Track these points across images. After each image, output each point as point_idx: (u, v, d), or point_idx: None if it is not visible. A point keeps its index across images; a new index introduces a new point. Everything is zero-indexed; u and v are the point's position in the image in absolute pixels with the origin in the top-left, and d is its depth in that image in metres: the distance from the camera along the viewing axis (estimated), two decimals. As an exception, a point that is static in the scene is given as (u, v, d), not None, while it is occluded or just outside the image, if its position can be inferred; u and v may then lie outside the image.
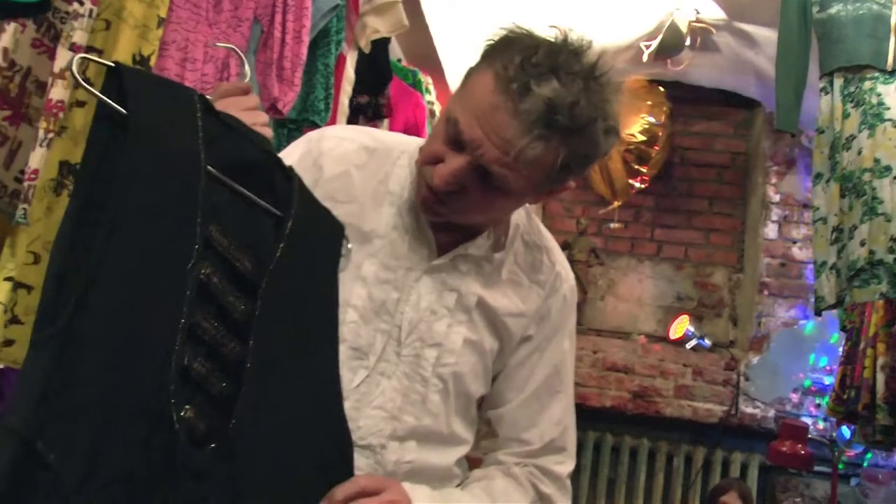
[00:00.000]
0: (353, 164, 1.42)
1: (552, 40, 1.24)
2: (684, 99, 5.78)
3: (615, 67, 1.29)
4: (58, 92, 1.72)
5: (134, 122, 1.03)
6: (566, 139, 1.22)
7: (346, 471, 1.28)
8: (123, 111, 1.03)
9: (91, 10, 1.75)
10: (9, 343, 1.78)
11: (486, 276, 1.42)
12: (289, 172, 1.26)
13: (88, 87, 1.09)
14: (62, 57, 1.73)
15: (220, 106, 1.22)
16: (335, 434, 1.28)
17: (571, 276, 1.53)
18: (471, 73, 1.29)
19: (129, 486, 1.00)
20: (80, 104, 1.84)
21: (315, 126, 2.62)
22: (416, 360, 1.38)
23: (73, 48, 1.74)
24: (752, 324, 5.46)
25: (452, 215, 1.34)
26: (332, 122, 2.79)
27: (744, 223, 5.88)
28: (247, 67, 1.43)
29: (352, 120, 3.09)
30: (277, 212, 1.22)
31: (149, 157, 1.04)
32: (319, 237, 1.29)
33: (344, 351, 1.33)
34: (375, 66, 3.17)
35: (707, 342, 5.52)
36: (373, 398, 1.35)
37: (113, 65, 1.07)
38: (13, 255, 1.77)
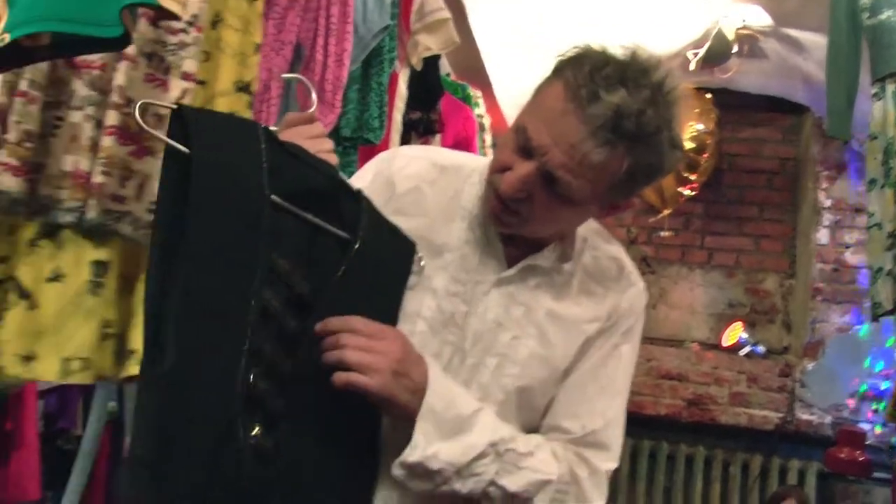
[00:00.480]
0: (424, 181, 1.45)
1: (622, 56, 1.27)
2: (732, 106, 5.74)
3: (683, 84, 1.31)
4: None
5: (197, 160, 1.09)
6: (631, 147, 1.25)
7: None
8: (186, 150, 1.09)
9: (197, 38, 1.80)
10: None
11: (557, 288, 1.44)
12: (357, 196, 1.30)
13: (153, 131, 1.16)
14: (175, 87, 1.79)
15: (286, 135, 1.27)
16: (363, 455, 1.32)
17: (641, 282, 1.53)
18: (541, 87, 1.33)
19: (212, 497, 1.10)
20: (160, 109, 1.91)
21: (370, 143, 2.68)
22: (476, 367, 1.40)
23: (185, 77, 1.80)
24: (805, 329, 5.41)
25: (519, 225, 1.36)
26: (386, 138, 2.83)
27: (795, 229, 5.83)
28: (314, 96, 1.46)
29: (405, 136, 3.14)
30: (343, 234, 1.26)
31: (213, 193, 1.10)
32: (386, 258, 1.32)
33: None
34: (427, 83, 3.21)
35: (761, 349, 5.48)
36: None
37: (175, 107, 1.14)
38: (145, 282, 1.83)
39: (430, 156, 1.51)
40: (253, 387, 1.14)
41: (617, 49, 1.28)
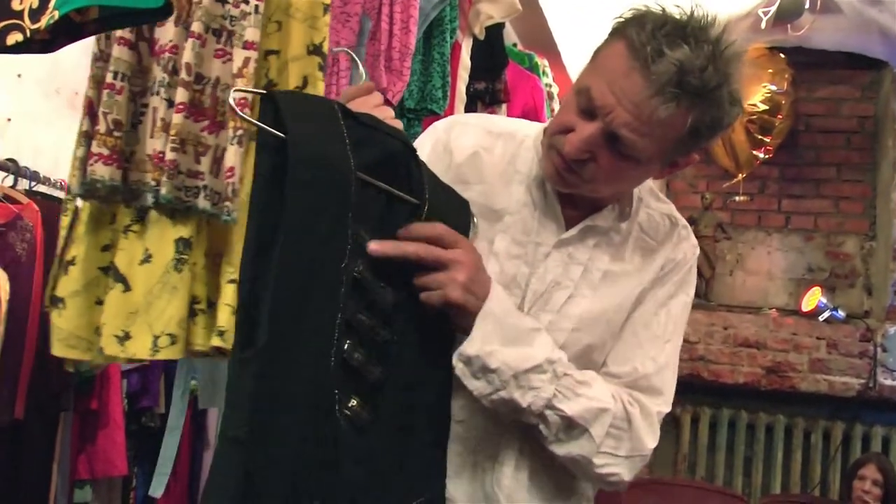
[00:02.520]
0: (481, 148, 1.48)
1: (679, 15, 1.29)
2: (807, 64, 5.62)
3: (740, 40, 1.31)
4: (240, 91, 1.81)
5: (293, 145, 1.13)
6: (695, 102, 1.26)
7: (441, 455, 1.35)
8: (282, 136, 1.13)
9: (257, 7, 1.81)
10: None
11: (615, 247, 1.46)
12: (419, 160, 1.33)
13: (249, 119, 1.20)
14: (238, 57, 1.81)
15: (352, 107, 1.29)
16: (441, 413, 1.36)
17: (693, 238, 1.54)
18: (601, 49, 1.34)
19: (299, 471, 1.13)
20: (249, 94, 1.95)
21: (434, 114, 2.67)
22: None
23: (246, 46, 1.81)
24: (887, 293, 5.28)
25: (581, 185, 1.37)
26: (450, 109, 2.82)
27: (874, 189, 5.68)
28: (361, 68, 1.49)
29: (469, 106, 3.12)
30: (415, 200, 1.29)
31: (309, 174, 1.14)
32: (450, 218, 1.34)
33: None
34: (491, 52, 3.19)
35: (841, 313, 5.36)
36: None
37: (266, 92, 1.18)
38: (229, 260, 1.87)
39: (483, 123, 1.54)
40: (349, 357, 1.18)
41: (673, 9, 1.30)
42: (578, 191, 1.40)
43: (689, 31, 1.26)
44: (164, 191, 1.79)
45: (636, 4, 1.33)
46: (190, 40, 1.81)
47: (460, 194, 1.40)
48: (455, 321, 1.32)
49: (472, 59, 3.01)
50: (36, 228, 2.84)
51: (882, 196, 5.57)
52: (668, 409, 1.47)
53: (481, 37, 3.02)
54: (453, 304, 1.27)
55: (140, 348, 1.82)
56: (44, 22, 1.25)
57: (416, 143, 1.50)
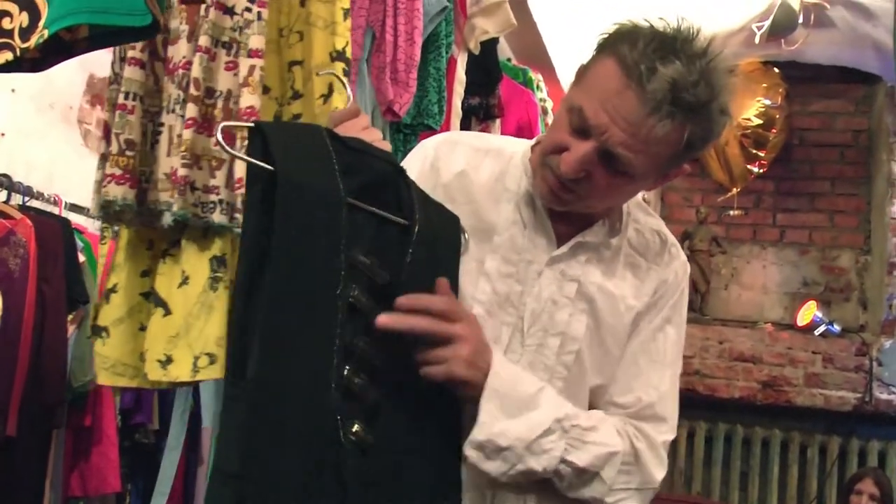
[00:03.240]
0: (468, 166, 1.48)
1: (665, 29, 1.29)
2: (801, 78, 5.63)
3: (726, 51, 1.33)
4: (246, 99, 1.80)
5: (282, 176, 1.13)
6: (689, 118, 1.26)
7: (455, 463, 1.34)
8: (271, 168, 1.13)
9: (259, 14, 1.82)
10: None
11: (605, 263, 1.46)
12: (407, 179, 1.33)
13: (236, 153, 1.21)
14: (244, 66, 1.81)
15: (340, 131, 1.30)
16: (448, 431, 1.34)
17: (683, 255, 1.55)
18: (588, 66, 1.34)
19: (304, 501, 1.13)
20: (297, 117, 1.96)
21: (430, 129, 2.67)
22: (540, 349, 1.42)
23: (251, 54, 1.81)
24: (882, 306, 5.28)
25: (577, 202, 1.37)
26: (446, 124, 2.82)
27: (869, 203, 5.69)
28: (348, 91, 1.51)
29: (464, 121, 3.12)
30: (403, 221, 1.28)
31: (298, 204, 1.14)
32: (440, 235, 1.34)
33: None
34: (485, 67, 3.19)
35: (836, 328, 5.36)
36: None
37: (253, 125, 1.18)
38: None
39: (471, 141, 1.53)
40: (349, 383, 1.18)
41: (657, 22, 1.31)
42: (573, 208, 1.40)
43: (679, 46, 1.26)
44: (175, 207, 1.79)
45: (621, 20, 1.33)
46: (198, 55, 1.81)
47: (450, 210, 1.40)
48: (457, 392, 1.31)
49: (466, 73, 3.01)
50: (29, 244, 2.83)
51: (877, 210, 5.57)
52: (672, 435, 1.48)
53: (476, 52, 3.03)
54: (457, 379, 1.27)
55: (182, 371, 1.83)
56: (33, 41, 1.25)
57: (405, 162, 1.52)
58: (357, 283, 1.21)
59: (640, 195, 1.52)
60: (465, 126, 3.13)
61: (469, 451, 1.31)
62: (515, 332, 1.42)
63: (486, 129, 3.32)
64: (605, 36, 1.32)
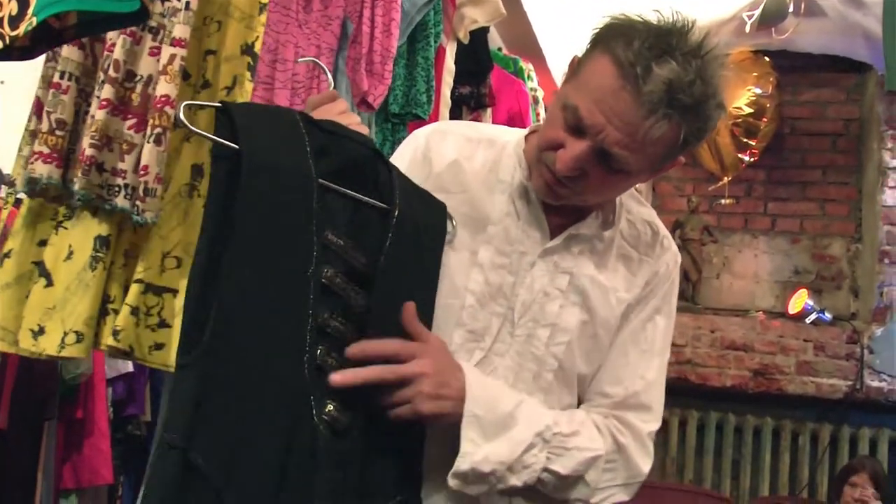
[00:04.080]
0: (460, 156, 1.48)
1: (659, 24, 1.28)
2: (792, 67, 5.64)
3: (721, 43, 1.32)
4: (162, 87, 1.79)
5: (247, 156, 1.13)
6: (685, 117, 1.26)
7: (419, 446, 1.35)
8: (237, 147, 1.13)
9: (187, 3, 1.81)
10: (159, 347, 1.89)
11: (598, 255, 1.46)
12: (388, 164, 1.33)
13: (202, 132, 1.20)
14: (165, 53, 1.80)
15: (316, 115, 1.30)
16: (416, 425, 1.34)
17: (674, 246, 1.56)
18: (582, 62, 1.33)
19: (274, 477, 1.12)
20: (201, 107, 1.94)
21: (419, 119, 2.66)
22: (529, 339, 1.43)
23: (174, 43, 1.80)
24: (873, 294, 5.29)
25: (572, 197, 1.38)
26: (435, 113, 2.82)
27: (860, 191, 5.70)
28: (329, 75, 1.52)
29: (454, 111, 3.12)
30: (383, 205, 1.29)
31: (265, 184, 1.14)
32: (423, 221, 1.35)
33: (461, 335, 1.41)
34: (475, 57, 3.19)
35: (828, 316, 5.37)
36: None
37: (220, 105, 1.18)
38: (144, 258, 1.87)
39: (463, 130, 1.53)
40: (323, 363, 1.18)
41: (651, 15, 1.30)
42: (569, 202, 1.40)
43: (675, 43, 1.25)
44: (77, 187, 1.78)
45: (614, 13, 1.32)
46: (121, 37, 1.80)
47: (437, 198, 1.40)
48: (433, 425, 1.32)
49: (456, 63, 3.00)
50: (18, 236, 2.82)
51: (868, 198, 5.58)
52: (658, 425, 1.48)
53: (466, 41, 3.02)
54: (425, 416, 1.28)
55: (49, 344, 1.82)
56: (22, 28, 1.24)
57: (397, 152, 1.53)
58: (332, 264, 1.21)
59: None
60: (455, 115, 3.13)
61: (451, 481, 1.32)
62: (505, 323, 1.43)
63: (476, 119, 3.32)
64: (599, 30, 1.32)
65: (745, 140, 5.47)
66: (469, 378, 1.32)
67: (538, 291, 1.43)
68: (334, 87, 2.32)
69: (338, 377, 1.19)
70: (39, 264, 1.87)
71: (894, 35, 3.25)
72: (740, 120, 5.42)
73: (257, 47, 1.92)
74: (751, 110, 5.42)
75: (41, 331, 1.83)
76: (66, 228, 1.87)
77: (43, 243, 1.90)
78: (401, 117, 2.65)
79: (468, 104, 3.25)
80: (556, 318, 1.43)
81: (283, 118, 1.23)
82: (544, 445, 1.35)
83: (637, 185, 1.51)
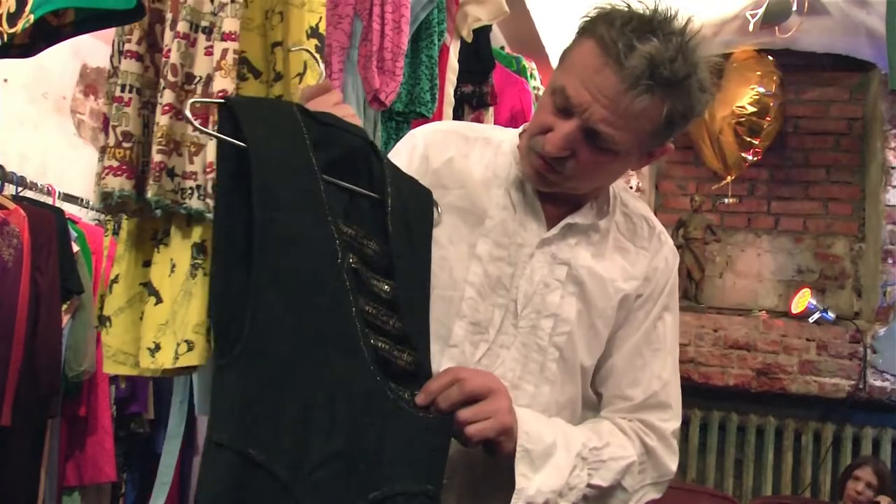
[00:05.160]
0: (457, 153, 1.51)
1: (643, 10, 1.34)
2: (795, 66, 5.63)
3: (703, 29, 1.38)
4: (219, 83, 1.79)
5: (253, 152, 1.14)
6: (668, 93, 1.30)
7: None
8: (242, 145, 1.14)
9: None
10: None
11: (594, 246, 1.49)
12: (380, 154, 1.35)
13: (205, 130, 1.23)
14: (217, 49, 1.80)
15: (311, 107, 1.31)
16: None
17: (671, 241, 1.59)
18: (570, 48, 1.38)
19: (338, 463, 1.13)
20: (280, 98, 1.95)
21: (422, 117, 2.66)
22: (533, 330, 1.45)
23: (225, 37, 1.80)
24: (876, 294, 5.29)
25: (563, 182, 1.41)
26: (439, 112, 2.81)
27: (863, 191, 5.69)
28: (321, 66, 1.54)
29: (458, 109, 3.12)
30: (376, 195, 1.31)
31: (272, 178, 1.15)
32: (413, 208, 1.37)
33: (463, 326, 1.43)
34: (478, 55, 3.18)
35: (831, 315, 5.36)
36: (494, 369, 1.42)
37: (223, 101, 1.19)
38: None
39: (459, 129, 1.57)
40: (377, 347, 1.20)
41: (637, 4, 1.36)
42: (560, 189, 1.43)
43: (656, 24, 1.30)
44: (149, 194, 1.78)
45: (601, 4, 1.37)
46: (176, 41, 1.80)
47: (422, 184, 1.42)
48: (497, 449, 1.32)
49: (459, 62, 3.00)
50: (23, 234, 2.83)
51: (871, 197, 5.58)
52: (678, 422, 1.53)
53: (469, 39, 3.02)
54: (507, 429, 1.30)
55: (166, 358, 1.83)
56: (20, 26, 1.25)
57: (394, 150, 1.56)
58: (351, 251, 1.22)
59: (633, 183, 1.54)
60: (457, 114, 3.12)
61: None
62: (507, 314, 1.45)
63: (479, 118, 3.32)
64: (586, 19, 1.37)
65: (748, 139, 5.47)
66: (519, 412, 1.34)
67: (538, 282, 1.45)
68: (346, 85, 2.34)
69: (421, 398, 1.24)
70: (147, 284, 1.89)
71: (897, 35, 3.25)
72: (743, 119, 5.42)
73: (322, 28, 1.92)
74: (754, 109, 5.42)
75: (157, 347, 1.84)
76: (165, 245, 1.88)
77: (147, 263, 1.92)
78: (404, 115, 2.65)
79: (471, 103, 3.25)
80: (558, 309, 1.45)
81: (281, 111, 1.25)
82: (584, 464, 1.38)
83: (639, 183, 1.53)
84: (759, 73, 5.46)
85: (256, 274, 1.11)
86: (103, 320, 1.95)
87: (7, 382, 2.74)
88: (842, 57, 5.53)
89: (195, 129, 1.20)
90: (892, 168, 5.32)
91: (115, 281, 1.93)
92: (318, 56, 1.84)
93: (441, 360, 1.40)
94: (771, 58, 5.50)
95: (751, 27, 4.78)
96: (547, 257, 1.46)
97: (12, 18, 1.26)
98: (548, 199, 1.47)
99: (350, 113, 1.39)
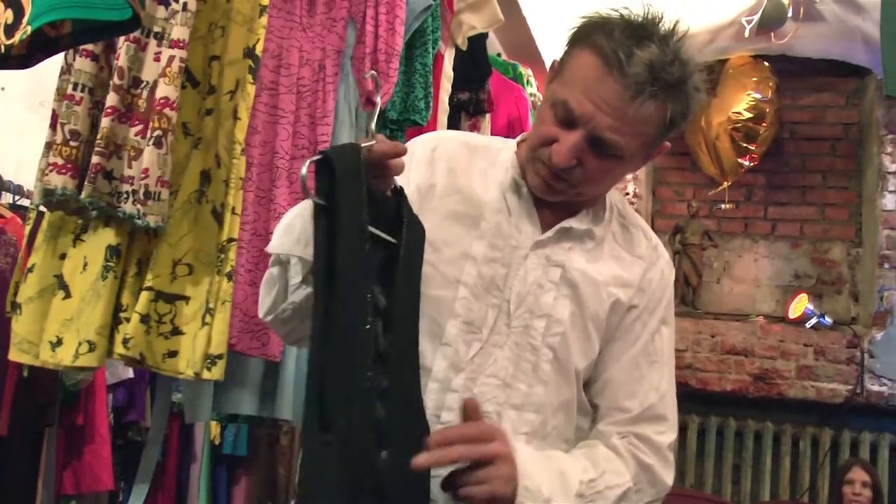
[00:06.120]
0: (460, 160, 1.53)
1: (632, 16, 1.36)
2: (791, 72, 5.64)
3: (687, 30, 1.41)
4: (162, 90, 1.80)
5: (339, 212, 1.19)
6: (669, 95, 1.34)
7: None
8: (323, 203, 1.20)
9: (185, 4, 1.82)
10: (172, 354, 1.90)
11: (589, 252, 1.50)
12: (405, 198, 1.37)
13: (310, 194, 1.24)
14: (164, 56, 1.81)
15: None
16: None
17: (667, 254, 1.60)
18: (564, 61, 1.41)
19: None
20: (209, 112, 1.96)
21: (417, 125, 2.67)
22: (526, 330, 1.46)
23: (172, 45, 1.81)
24: (873, 299, 5.29)
25: (570, 191, 1.43)
26: (433, 120, 2.82)
27: (860, 196, 5.70)
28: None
29: (453, 117, 3.12)
30: (392, 240, 1.33)
31: (348, 241, 1.20)
32: (413, 247, 1.38)
33: (456, 325, 1.44)
34: (474, 62, 3.18)
35: (828, 320, 5.37)
36: (486, 367, 1.44)
37: (321, 156, 1.23)
38: (153, 266, 1.89)
39: (461, 137, 1.60)
40: (379, 418, 1.24)
41: (621, 10, 1.38)
42: (566, 197, 1.45)
43: (650, 29, 1.34)
44: (83, 194, 1.79)
45: (590, 12, 1.40)
46: (125, 44, 1.81)
47: (420, 222, 1.43)
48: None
49: (455, 69, 3.00)
50: (20, 243, 2.83)
51: (868, 202, 5.59)
52: (675, 435, 1.53)
53: (464, 47, 3.03)
54: (499, 497, 1.31)
55: (66, 355, 1.85)
56: (17, 37, 1.26)
57: None
58: (372, 314, 1.25)
59: (630, 189, 1.56)
60: (454, 121, 3.13)
61: None
62: (501, 314, 1.46)
63: (475, 125, 3.32)
64: (576, 29, 1.39)
65: (744, 145, 5.48)
66: (520, 458, 1.35)
67: (532, 283, 1.46)
68: (342, 90, 2.34)
69: (422, 460, 1.25)
70: (59, 277, 1.89)
71: (892, 40, 3.25)
72: (740, 125, 5.43)
73: (258, 50, 1.93)
74: (750, 115, 5.43)
75: (59, 342, 1.85)
76: (82, 241, 1.89)
77: (63, 256, 1.92)
78: (399, 124, 2.65)
79: (467, 110, 3.25)
80: (551, 310, 1.46)
81: (355, 158, 1.25)
82: (582, 501, 1.39)
83: (636, 189, 1.55)
84: (755, 78, 5.47)
85: (334, 343, 1.18)
86: (15, 307, 1.95)
87: (4, 391, 2.73)
88: (838, 62, 5.54)
89: (307, 195, 1.23)
90: (889, 173, 5.33)
91: (30, 270, 1.94)
92: (250, 77, 1.85)
93: (434, 358, 1.43)
94: (767, 64, 5.52)
95: (747, 33, 4.79)
96: (541, 259, 1.47)
97: (9, 30, 1.27)
98: (543, 203, 1.48)
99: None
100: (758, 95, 5.45)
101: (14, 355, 1.95)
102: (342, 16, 2.35)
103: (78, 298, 1.85)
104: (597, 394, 1.52)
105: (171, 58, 1.80)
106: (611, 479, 1.43)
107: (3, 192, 3.07)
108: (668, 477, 1.50)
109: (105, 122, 1.79)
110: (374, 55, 2.40)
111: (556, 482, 1.38)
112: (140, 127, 1.83)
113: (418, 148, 1.54)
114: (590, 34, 1.35)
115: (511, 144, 1.56)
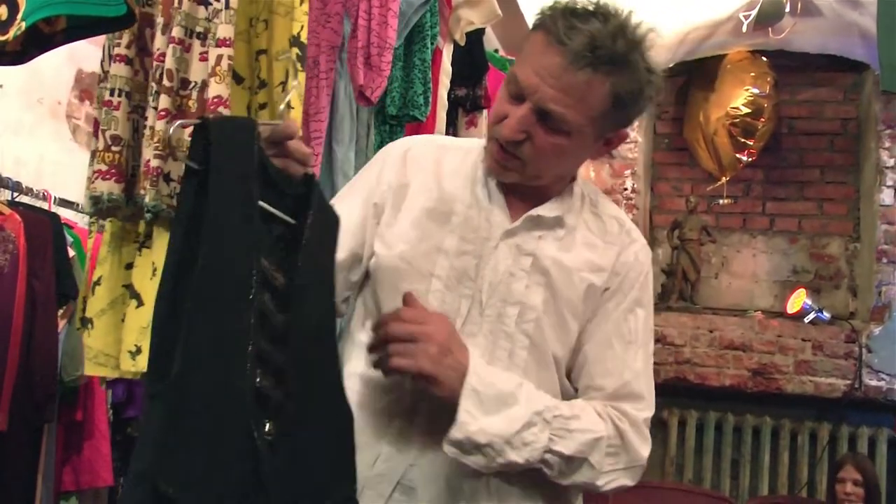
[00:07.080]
0: (430, 160, 1.58)
1: (590, 3, 1.42)
2: (789, 67, 5.64)
3: (644, 22, 1.44)
4: (214, 89, 1.80)
5: (213, 177, 1.16)
6: (611, 70, 1.37)
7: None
8: (197, 167, 1.17)
9: (227, 2, 1.82)
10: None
11: (560, 240, 1.53)
12: (309, 179, 1.34)
13: (179, 152, 1.26)
14: (212, 55, 1.81)
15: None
16: (338, 417, 1.35)
17: (642, 238, 1.62)
18: (525, 42, 1.46)
19: (236, 498, 1.13)
20: (263, 106, 1.97)
21: (416, 120, 2.68)
22: (499, 318, 1.49)
23: (219, 44, 1.81)
24: (872, 294, 5.30)
25: (522, 169, 1.46)
26: (432, 115, 2.82)
27: (858, 191, 5.71)
28: (297, 80, 1.62)
29: (451, 112, 3.12)
30: (291, 220, 1.30)
31: (222, 204, 1.16)
32: (325, 237, 1.36)
33: None
34: (471, 58, 3.19)
35: (826, 315, 5.37)
36: None
37: (200, 121, 1.21)
38: None
39: (434, 139, 1.69)
40: (261, 386, 1.20)
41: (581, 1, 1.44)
42: (520, 176, 1.48)
43: (599, 10, 1.39)
44: (147, 198, 1.79)
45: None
46: (171, 46, 1.81)
47: (334, 209, 1.40)
48: (429, 392, 1.38)
49: (453, 65, 3.01)
50: (18, 239, 2.84)
51: (866, 197, 5.59)
52: (651, 412, 1.54)
53: (462, 42, 3.03)
54: (424, 374, 1.36)
55: (146, 362, 1.84)
56: (11, 33, 1.26)
57: (369, 163, 1.63)
58: (264, 288, 1.22)
59: (628, 185, 1.57)
60: (451, 117, 3.14)
61: (447, 448, 1.38)
62: (474, 304, 1.49)
63: (473, 120, 3.33)
64: (539, 15, 1.45)
65: (742, 140, 5.48)
66: (473, 359, 1.40)
67: (503, 272, 1.49)
68: (337, 87, 2.34)
69: (373, 359, 1.36)
70: (129, 287, 1.91)
71: (889, 35, 3.26)
72: (738, 120, 5.43)
73: (303, 37, 1.94)
74: (748, 110, 5.43)
75: (138, 350, 1.86)
76: (148, 248, 1.90)
77: (130, 266, 1.94)
78: (398, 119, 2.66)
79: (464, 106, 3.26)
80: (523, 297, 1.48)
81: (244, 132, 1.24)
82: (545, 426, 1.41)
83: (635, 186, 1.56)
84: (752, 74, 5.47)
85: (191, 303, 1.11)
86: (85, 322, 1.96)
87: (3, 387, 2.74)
88: (835, 57, 5.54)
89: (172, 152, 1.21)
90: (887, 168, 5.33)
91: (97, 283, 1.95)
92: (299, 65, 1.86)
93: None
94: (765, 59, 5.52)
95: (744, 28, 4.80)
96: (511, 248, 1.50)
97: (4, 26, 1.27)
98: (513, 194, 1.52)
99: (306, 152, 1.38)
100: (756, 90, 5.45)
101: (91, 370, 1.97)
102: (336, 10, 2.34)
103: (151, 305, 1.85)
104: (576, 377, 1.54)
105: (220, 56, 1.81)
106: (584, 424, 1.44)
107: (2, 189, 3.07)
108: (644, 450, 1.50)
109: (159, 124, 1.79)
110: (367, 48, 2.40)
111: (520, 392, 1.41)
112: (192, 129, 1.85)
113: (393, 150, 1.60)
114: (542, 17, 1.42)
115: (483, 142, 1.58)
